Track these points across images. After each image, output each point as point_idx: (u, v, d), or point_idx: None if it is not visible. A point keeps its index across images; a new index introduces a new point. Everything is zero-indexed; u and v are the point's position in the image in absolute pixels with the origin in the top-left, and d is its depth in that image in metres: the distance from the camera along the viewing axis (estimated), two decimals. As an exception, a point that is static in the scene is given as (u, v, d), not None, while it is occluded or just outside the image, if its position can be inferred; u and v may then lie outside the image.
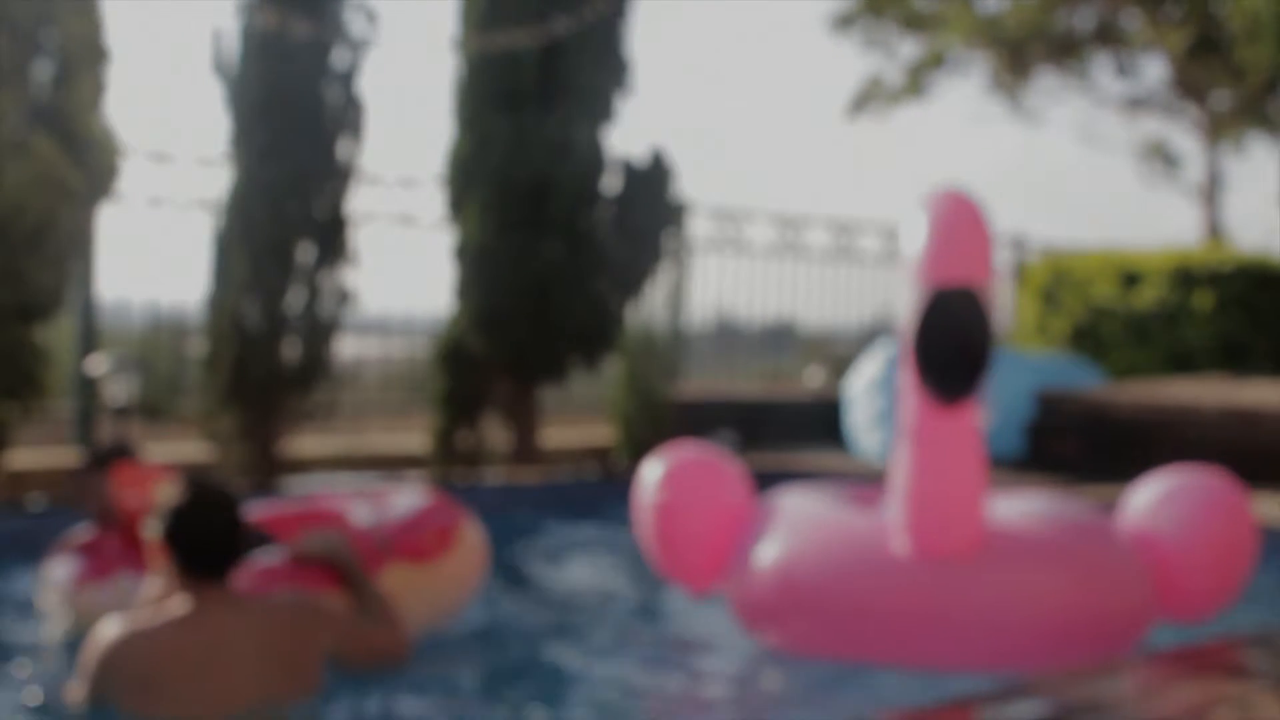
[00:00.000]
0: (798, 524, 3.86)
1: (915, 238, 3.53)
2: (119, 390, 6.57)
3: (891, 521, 3.66)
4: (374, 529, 3.79)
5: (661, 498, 4.02)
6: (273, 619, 3.08)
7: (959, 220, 3.48)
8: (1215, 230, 18.63)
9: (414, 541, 3.80)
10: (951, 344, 3.44)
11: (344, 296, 6.80)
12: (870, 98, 20.30)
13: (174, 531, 3.01)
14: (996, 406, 7.84)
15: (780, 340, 10.98)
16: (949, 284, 3.41)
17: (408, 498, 4.09)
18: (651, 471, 4.08)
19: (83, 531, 3.92)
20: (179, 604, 3.03)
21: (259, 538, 3.64)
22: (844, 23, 19.80)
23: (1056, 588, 3.60)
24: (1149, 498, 3.79)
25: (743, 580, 3.89)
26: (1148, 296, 10.12)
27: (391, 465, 7.19)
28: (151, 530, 3.07)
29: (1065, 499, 4.03)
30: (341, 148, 6.74)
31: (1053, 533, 3.73)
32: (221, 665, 2.96)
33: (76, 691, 3.04)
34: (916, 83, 19.91)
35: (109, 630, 3.01)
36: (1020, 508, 3.87)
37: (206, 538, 3.03)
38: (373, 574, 3.56)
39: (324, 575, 3.48)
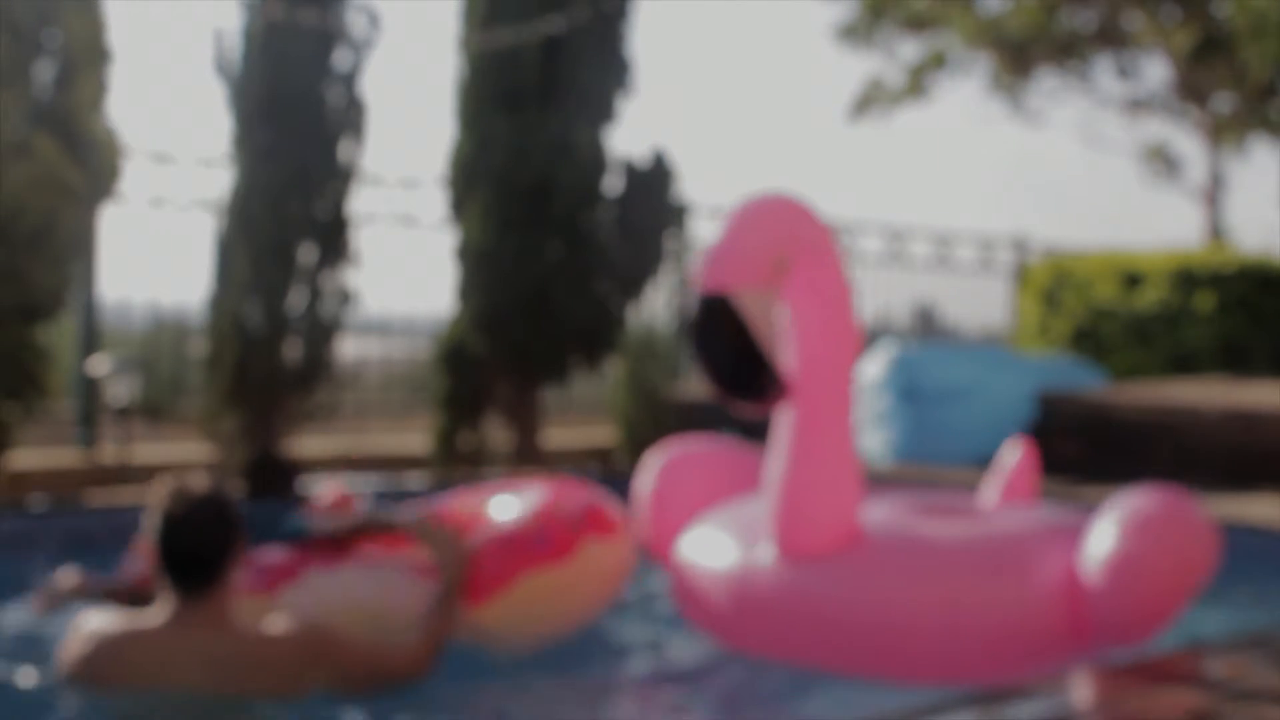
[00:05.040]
0: (725, 519, 3.92)
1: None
2: (120, 391, 6.58)
3: (765, 520, 3.69)
4: (502, 537, 3.61)
5: (649, 486, 4.18)
6: (245, 651, 2.86)
7: (733, 226, 3.45)
8: (1217, 231, 18.63)
9: (539, 547, 3.58)
10: (711, 347, 3.42)
11: (345, 297, 6.81)
12: (872, 100, 20.30)
13: (158, 541, 2.86)
14: (997, 407, 7.85)
15: (781, 341, 10.97)
16: (709, 289, 3.36)
17: (533, 493, 3.85)
18: (651, 460, 4.25)
19: None
20: (157, 612, 2.89)
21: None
22: (849, 32, 19.81)
23: (912, 598, 3.45)
24: (1102, 519, 3.57)
25: (672, 569, 3.99)
26: (1149, 298, 10.12)
27: (393, 466, 7.20)
28: (144, 531, 2.92)
29: (1058, 508, 3.95)
30: (343, 148, 6.75)
31: (944, 543, 3.56)
32: (164, 681, 2.80)
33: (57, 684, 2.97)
34: (918, 83, 19.91)
35: (85, 626, 2.93)
36: (999, 516, 3.83)
37: (188, 553, 2.84)
38: (502, 588, 3.45)
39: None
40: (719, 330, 3.35)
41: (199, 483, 2.94)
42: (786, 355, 3.58)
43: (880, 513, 3.85)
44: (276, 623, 2.97)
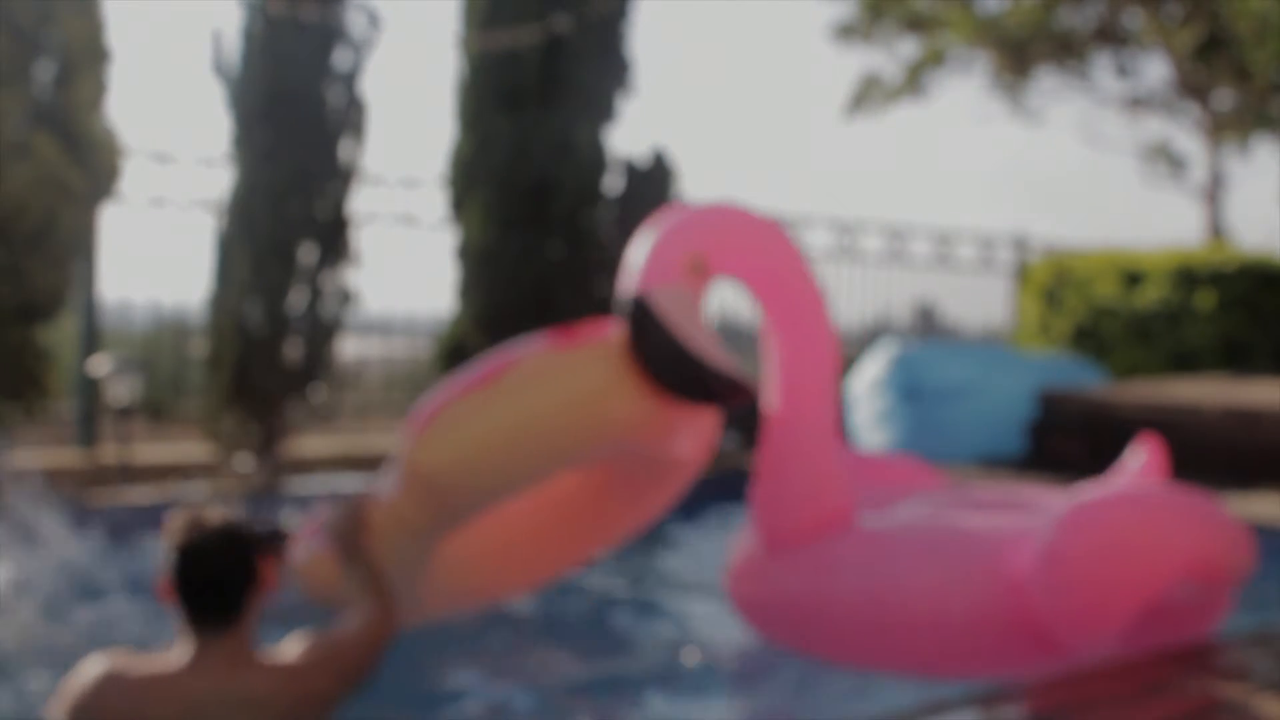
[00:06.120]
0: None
1: None
2: (121, 391, 6.58)
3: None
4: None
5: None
6: (279, 690, 2.63)
7: (651, 236, 3.48)
8: (1217, 230, 18.61)
9: (466, 379, 3.26)
10: (640, 348, 3.43)
11: (346, 297, 6.81)
12: (868, 95, 20.29)
13: (177, 576, 2.61)
14: (998, 406, 7.85)
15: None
16: (628, 294, 3.42)
17: None
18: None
19: None
20: (177, 654, 2.64)
21: None
22: (848, 32, 19.81)
23: (847, 589, 3.47)
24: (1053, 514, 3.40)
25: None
26: (1150, 296, 10.12)
27: (393, 465, 7.19)
28: (162, 567, 2.66)
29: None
30: (343, 148, 6.75)
31: (914, 538, 3.51)
32: None
33: None
34: (915, 80, 19.91)
35: (92, 670, 2.62)
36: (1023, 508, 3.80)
37: (205, 588, 2.60)
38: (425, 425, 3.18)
39: None
40: (644, 331, 3.39)
41: (214, 511, 2.70)
42: (768, 351, 3.62)
43: (918, 506, 3.84)
44: (293, 647, 2.73)
